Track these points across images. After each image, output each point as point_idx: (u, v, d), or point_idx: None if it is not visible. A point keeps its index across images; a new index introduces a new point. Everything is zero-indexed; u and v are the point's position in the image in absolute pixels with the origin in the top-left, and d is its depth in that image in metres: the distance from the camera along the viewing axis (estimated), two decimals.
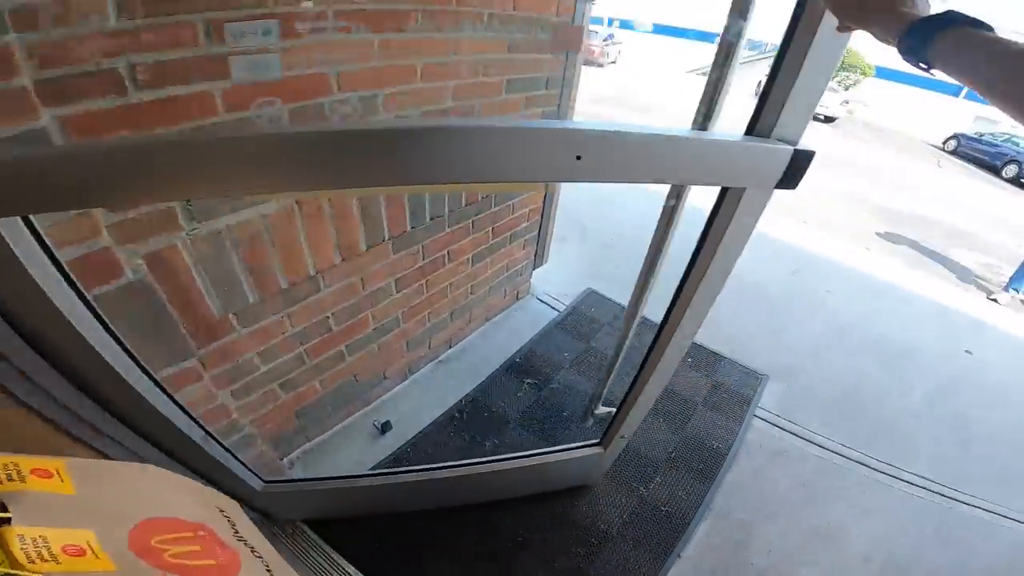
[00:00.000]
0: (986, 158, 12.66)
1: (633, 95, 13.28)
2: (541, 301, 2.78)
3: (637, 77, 16.54)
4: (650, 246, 1.46)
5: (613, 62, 19.08)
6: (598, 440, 1.71)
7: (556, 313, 2.72)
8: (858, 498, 2.05)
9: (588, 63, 17.12)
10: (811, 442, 2.25)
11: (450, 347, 2.30)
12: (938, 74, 0.56)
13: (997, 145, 12.51)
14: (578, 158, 0.74)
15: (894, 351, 2.98)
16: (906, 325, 3.29)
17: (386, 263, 1.61)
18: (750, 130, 0.90)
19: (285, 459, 1.81)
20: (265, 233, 1.18)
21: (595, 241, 3.60)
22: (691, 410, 2.25)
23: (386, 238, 1.50)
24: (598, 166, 0.77)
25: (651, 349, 1.38)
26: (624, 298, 2.90)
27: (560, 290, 2.91)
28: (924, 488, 2.15)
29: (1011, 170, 11.84)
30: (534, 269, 2.71)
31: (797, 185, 0.92)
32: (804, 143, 0.89)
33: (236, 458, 1.29)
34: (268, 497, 1.45)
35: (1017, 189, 11.26)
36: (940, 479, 2.19)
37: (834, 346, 2.93)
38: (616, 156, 0.78)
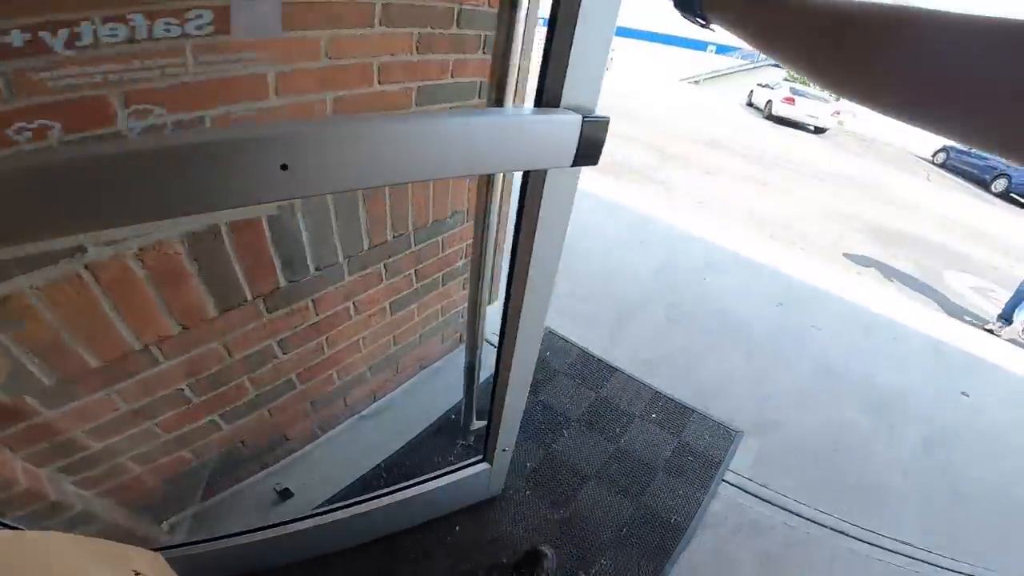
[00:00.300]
0: (975, 171, 12.50)
1: (631, 104, 13.01)
2: (489, 344, 2.45)
3: (631, 85, 16.32)
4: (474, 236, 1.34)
5: (607, 69, 18.91)
6: (481, 456, 1.65)
7: None
8: (831, 574, 1.80)
9: None
10: (784, 508, 1.98)
11: (374, 400, 2.00)
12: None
13: (986, 158, 12.34)
14: (283, 167, 0.55)
15: (884, 396, 2.72)
16: (898, 364, 3.04)
17: (259, 325, 1.31)
18: (538, 102, 0.80)
19: (164, 523, 1.53)
20: (43, 308, 0.89)
21: (559, 269, 3.30)
22: (650, 477, 1.96)
23: (249, 298, 1.21)
24: (317, 174, 0.58)
25: (499, 356, 1.33)
26: (588, 339, 2.64)
27: None
28: (908, 556, 1.89)
29: (1000, 184, 11.66)
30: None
31: (597, 160, 0.83)
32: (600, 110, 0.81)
33: None
34: None
35: (1006, 204, 11.09)
36: (928, 544, 1.94)
37: (819, 392, 2.65)
38: (344, 157, 0.59)
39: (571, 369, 2.38)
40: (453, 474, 1.60)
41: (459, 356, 2.31)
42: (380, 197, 1.36)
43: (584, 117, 0.76)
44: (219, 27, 0.87)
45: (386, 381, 1.99)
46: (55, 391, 1.02)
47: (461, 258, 1.96)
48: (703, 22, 0.55)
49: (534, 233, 0.93)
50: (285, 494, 1.70)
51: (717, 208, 5.93)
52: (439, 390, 2.16)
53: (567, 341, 2.57)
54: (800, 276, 3.96)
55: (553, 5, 0.70)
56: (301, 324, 1.44)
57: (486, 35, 1.48)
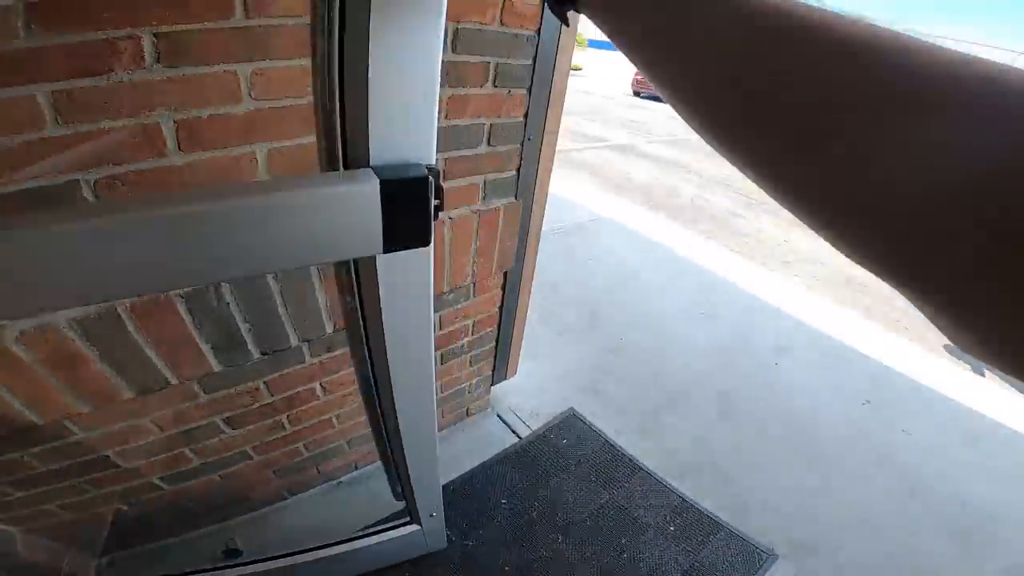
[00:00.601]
0: None
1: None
2: (501, 420, 2.24)
3: None
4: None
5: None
6: (408, 518, 1.54)
7: (515, 440, 2.14)
8: None
9: (648, 96, 16.47)
10: None
11: (355, 469, 1.87)
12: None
13: None
14: None
15: (975, 517, 2.14)
16: (1001, 479, 2.38)
17: (197, 404, 1.22)
18: (345, 162, 0.60)
19: (103, 559, 1.47)
20: None
21: (602, 339, 2.99)
22: None
23: (172, 382, 1.10)
24: None
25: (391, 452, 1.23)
26: (617, 427, 2.30)
27: (534, 406, 2.33)
28: None
29: None
30: (494, 384, 2.20)
31: (428, 239, 0.58)
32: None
33: None
34: None
35: None
36: None
37: (892, 510, 2.12)
38: None
39: (588, 462, 2.08)
40: (381, 534, 1.51)
41: (460, 431, 2.15)
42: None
43: (382, 179, 0.50)
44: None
45: (368, 452, 1.84)
46: None
47: (464, 336, 1.79)
48: (567, 18, 0.39)
49: (381, 328, 0.71)
50: (233, 555, 1.58)
51: (808, 271, 5.31)
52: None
53: (590, 427, 2.27)
54: (896, 364, 3.28)
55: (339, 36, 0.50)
56: (252, 404, 1.33)
57: (497, 63, 1.24)
